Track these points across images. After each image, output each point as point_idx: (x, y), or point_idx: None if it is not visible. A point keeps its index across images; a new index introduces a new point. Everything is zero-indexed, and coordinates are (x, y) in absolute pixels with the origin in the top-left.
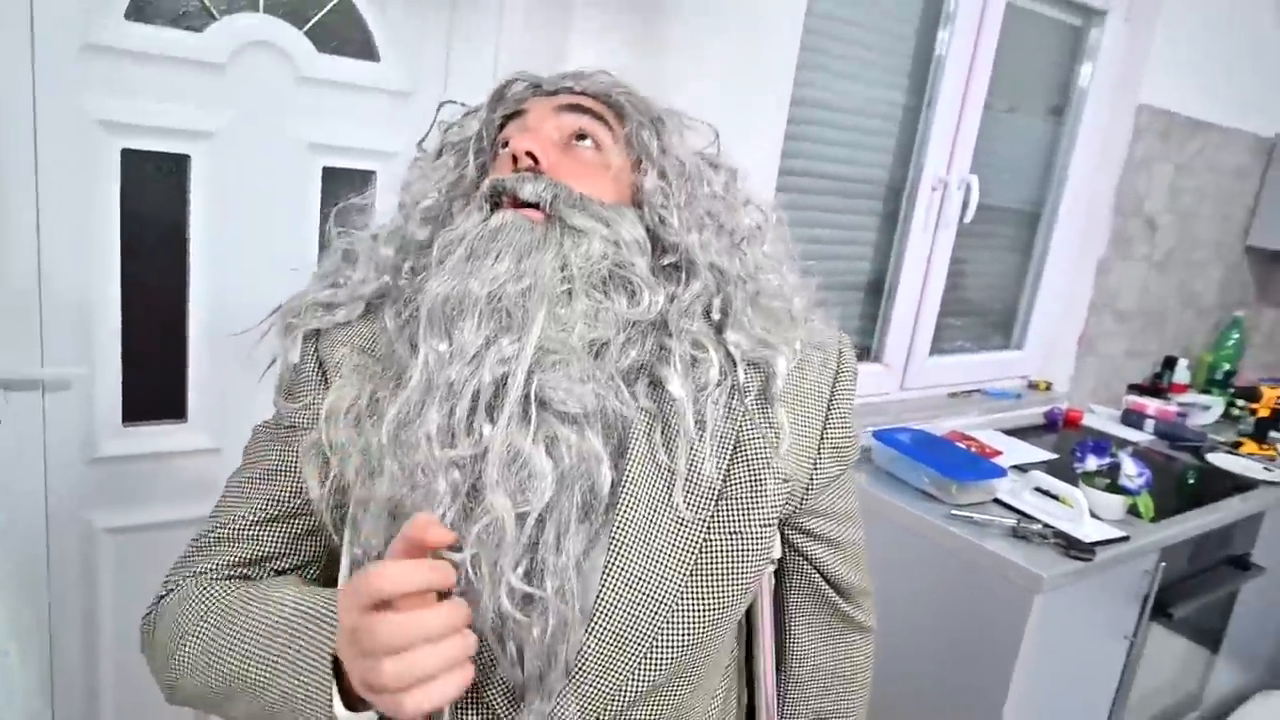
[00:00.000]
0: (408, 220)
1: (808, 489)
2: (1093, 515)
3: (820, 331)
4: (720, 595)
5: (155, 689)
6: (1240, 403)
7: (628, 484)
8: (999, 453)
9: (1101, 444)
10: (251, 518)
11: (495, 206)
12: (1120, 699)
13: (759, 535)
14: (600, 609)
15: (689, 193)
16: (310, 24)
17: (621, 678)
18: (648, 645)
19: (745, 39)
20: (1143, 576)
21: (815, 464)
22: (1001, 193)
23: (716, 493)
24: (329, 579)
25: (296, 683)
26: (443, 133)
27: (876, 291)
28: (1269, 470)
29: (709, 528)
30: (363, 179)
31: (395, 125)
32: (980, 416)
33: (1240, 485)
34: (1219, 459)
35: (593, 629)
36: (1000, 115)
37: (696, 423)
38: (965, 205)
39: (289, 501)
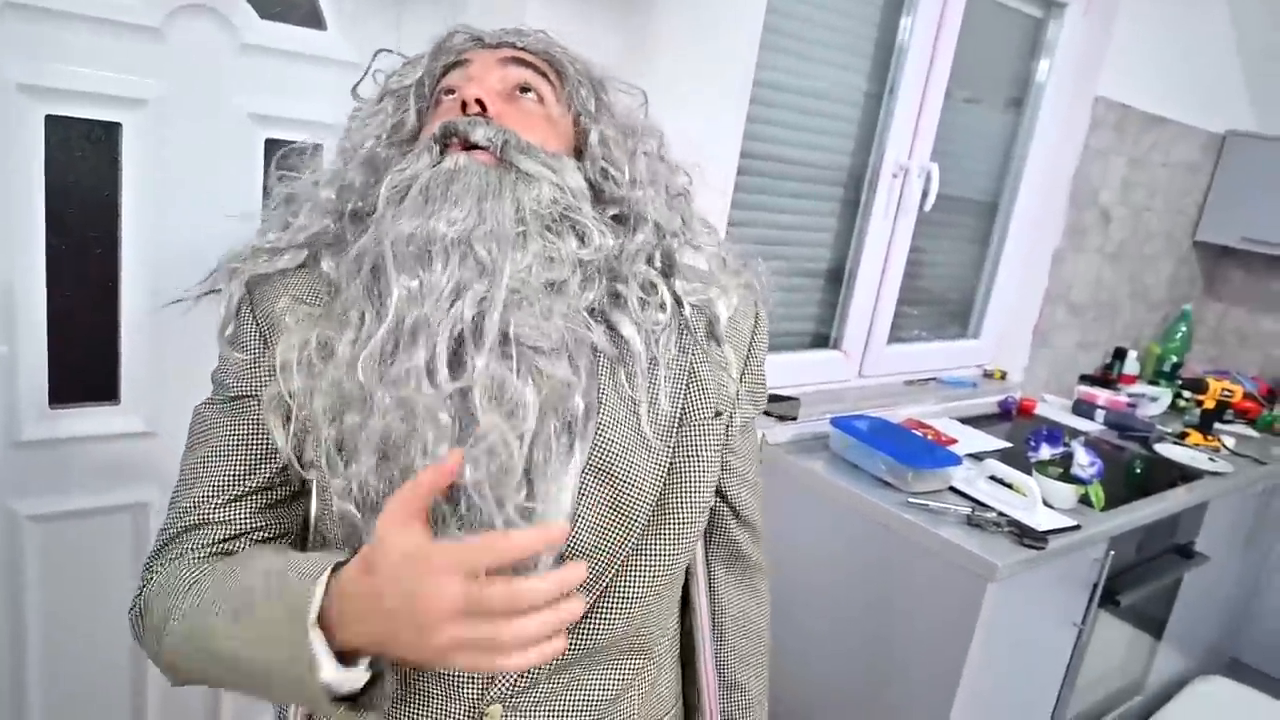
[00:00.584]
0: (348, 165)
1: (728, 427)
2: (1045, 504)
3: (741, 282)
4: (684, 517)
5: (83, 682)
6: (1187, 394)
7: (604, 411)
8: (954, 441)
9: (1055, 433)
10: (218, 498)
11: (444, 149)
12: (1068, 684)
13: (714, 458)
14: (578, 530)
15: (630, 150)
16: None
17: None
18: (617, 564)
19: (707, 19)
20: (1092, 565)
21: (735, 405)
22: (961, 182)
23: (677, 421)
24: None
25: (270, 643)
26: (384, 81)
27: (836, 279)
28: (1213, 461)
29: (674, 454)
30: (309, 153)
31: (343, 97)
32: (936, 405)
33: (1186, 475)
34: (1166, 449)
35: (572, 545)
36: (960, 105)
37: (650, 360)
38: (925, 194)
39: (254, 474)
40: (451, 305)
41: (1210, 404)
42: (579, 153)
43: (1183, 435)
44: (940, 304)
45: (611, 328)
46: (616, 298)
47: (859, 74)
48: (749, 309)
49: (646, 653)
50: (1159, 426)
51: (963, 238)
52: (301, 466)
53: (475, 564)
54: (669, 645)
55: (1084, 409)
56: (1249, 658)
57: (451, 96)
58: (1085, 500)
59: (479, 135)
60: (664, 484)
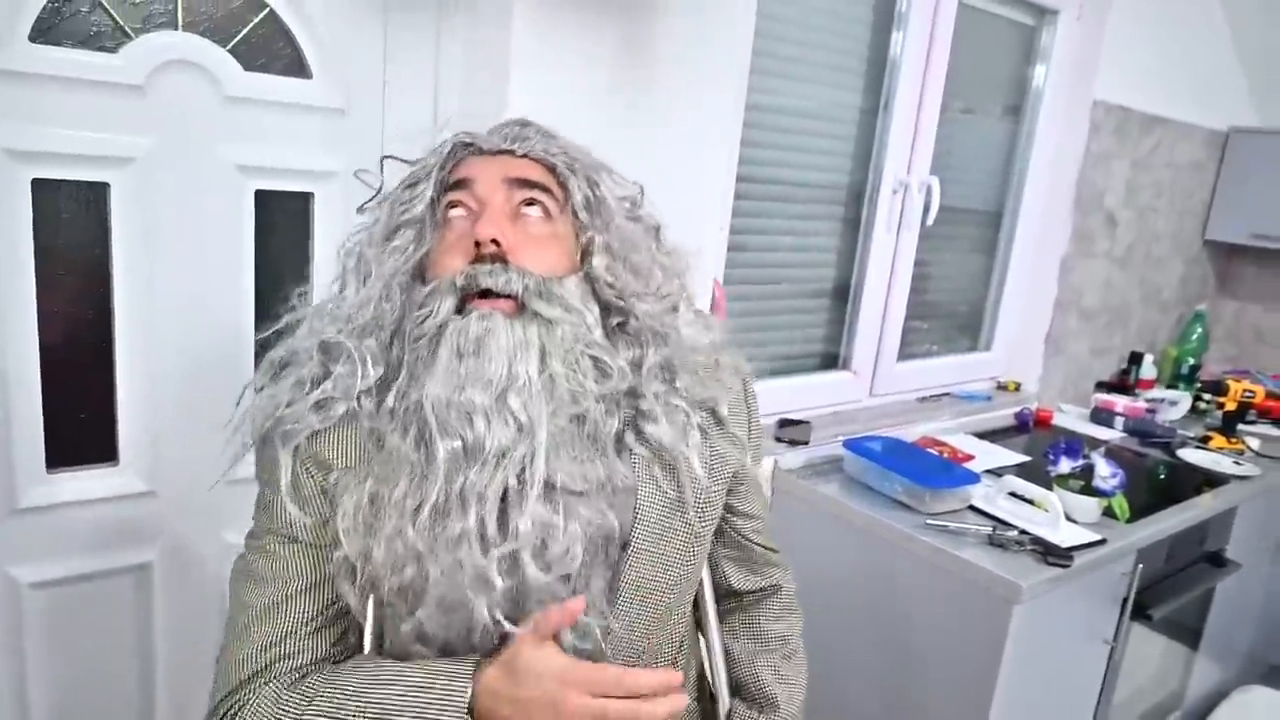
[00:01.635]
0: (378, 301)
1: (738, 478)
2: (1068, 519)
3: (729, 366)
4: (696, 558)
5: None
6: (1207, 397)
7: (639, 521)
8: (971, 457)
9: (1074, 445)
10: (301, 630)
11: (465, 299)
12: (1104, 702)
13: (716, 515)
14: (618, 618)
15: (633, 264)
16: (235, 41)
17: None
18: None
19: (696, 43)
20: (1121, 579)
21: (743, 464)
22: (963, 194)
23: (708, 499)
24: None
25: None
26: (391, 209)
27: (841, 297)
28: (1239, 464)
29: (684, 552)
30: (299, 202)
31: (331, 144)
32: (951, 420)
33: (1212, 481)
34: (1190, 454)
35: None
36: (958, 116)
37: (686, 458)
38: (927, 208)
39: (327, 611)
40: (496, 467)
41: (1232, 406)
42: (584, 257)
43: (1205, 439)
44: (949, 317)
45: (642, 434)
46: (643, 410)
47: (853, 91)
48: (739, 389)
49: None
50: (1180, 431)
51: (969, 249)
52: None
53: (605, 687)
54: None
55: (1103, 417)
56: None
57: (460, 214)
58: (1109, 513)
59: (500, 284)
60: (684, 555)
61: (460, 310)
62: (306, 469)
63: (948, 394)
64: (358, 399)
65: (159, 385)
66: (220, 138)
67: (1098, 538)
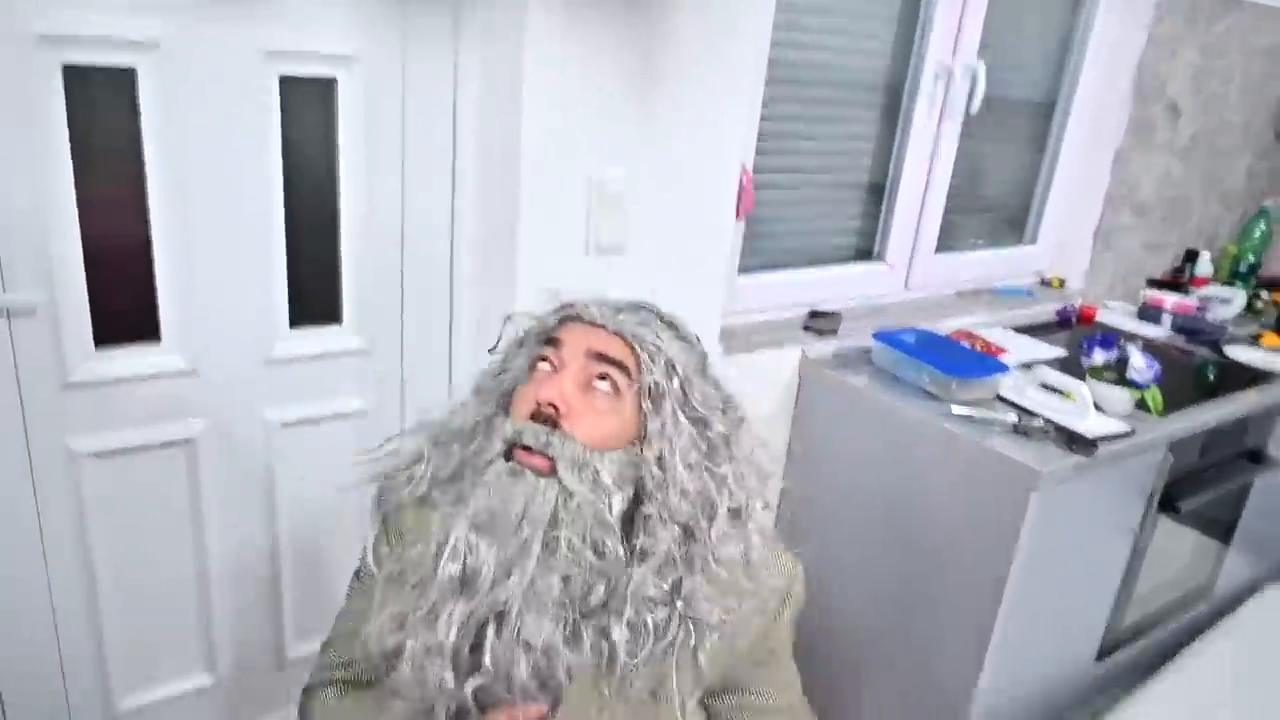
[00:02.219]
0: (467, 418)
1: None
2: (1098, 409)
3: (772, 578)
4: None
5: (153, 613)
6: (1263, 294)
7: (570, 695)
8: (1005, 351)
9: (1109, 337)
10: (358, 655)
11: (511, 446)
12: (1125, 592)
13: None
14: None
15: (681, 460)
16: None
17: None
18: None
19: None
20: (1149, 471)
21: (749, 656)
22: (1012, 81)
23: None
24: None
25: None
26: (506, 356)
27: (877, 191)
28: None
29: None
30: (323, 88)
31: (354, 27)
32: (989, 315)
33: (1258, 378)
34: (1237, 351)
35: None
36: None
37: (629, 670)
38: (971, 95)
39: None
40: (479, 601)
41: None
42: (640, 438)
43: (1257, 337)
44: (994, 210)
45: (604, 631)
46: (617, 609)
47: None
48: (774, 598)
49: None
50: (1231, 329)
51: (1016, 139)
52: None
53: None
54: None
55: (1150, 314)
56: None
57: (545, 367)
58: (1142, 405)
59: (539, 444)
60: None
61: (507, 456)
62: (387, 530)
63: (988, 290)
64: (430, 488)
65: (195, 266)
66: (244, 21)
67: (1126, 429)
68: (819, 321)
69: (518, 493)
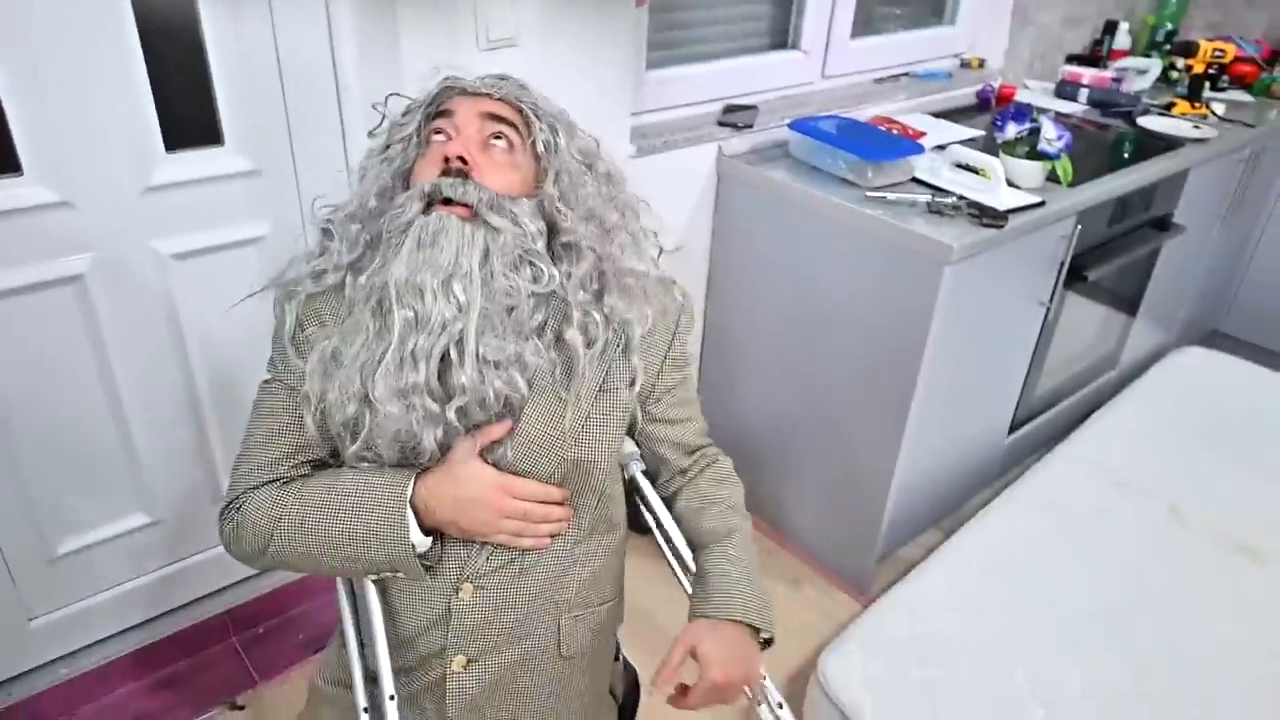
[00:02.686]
0: (366, 200)
1: (651, 394)
2: (1010, 184)
3: (665, 297)
4: (585, 456)
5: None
6: (1179, 64)
7: (533, 387)
8: (923, 134)
9: (1021, 110)
10: (281, 455)
11: (431, 204)
12: (1036, 363)
13: (613, 435)
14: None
15: (578, 194)
16: None
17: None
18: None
19: None
20: (1059, 242)
21: (658, 378)
22: None
23: (586, 414)
24: None
25: (376, 517)
26: (389, 127)
27: None
28: (1198, 128)
29: (579, 433)
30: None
31: None
32: (908, 100)
33: (1170, 145)
34: (1150, 122)
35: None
36: None
37: (580, 355)
38: None
39: (300, 440)
40: (439, 335)
41: (1200, 67)
42: (538, 184)
43: (1169, 106)
44: None
45: (559, 338)
46: (566, 315)
47: None
48: (668, 322)
49: (583, 543)
50: (1146, 100)
51: None
52: (324, 437)
53: (527, 493)
54: (607, 542)
55: (1067, 90)
56: (1231, 328)
57: (439, 138)
58: (1053, 177)
59: (458, 194)
60: (582, 431)
61: (425, 212)
62: (304, 322)
63: (906, 74)
64: (344, 274)
65: (47, 94)
66: None
67: (1037, 200)
68: (735, 115)
69: (447, 238)
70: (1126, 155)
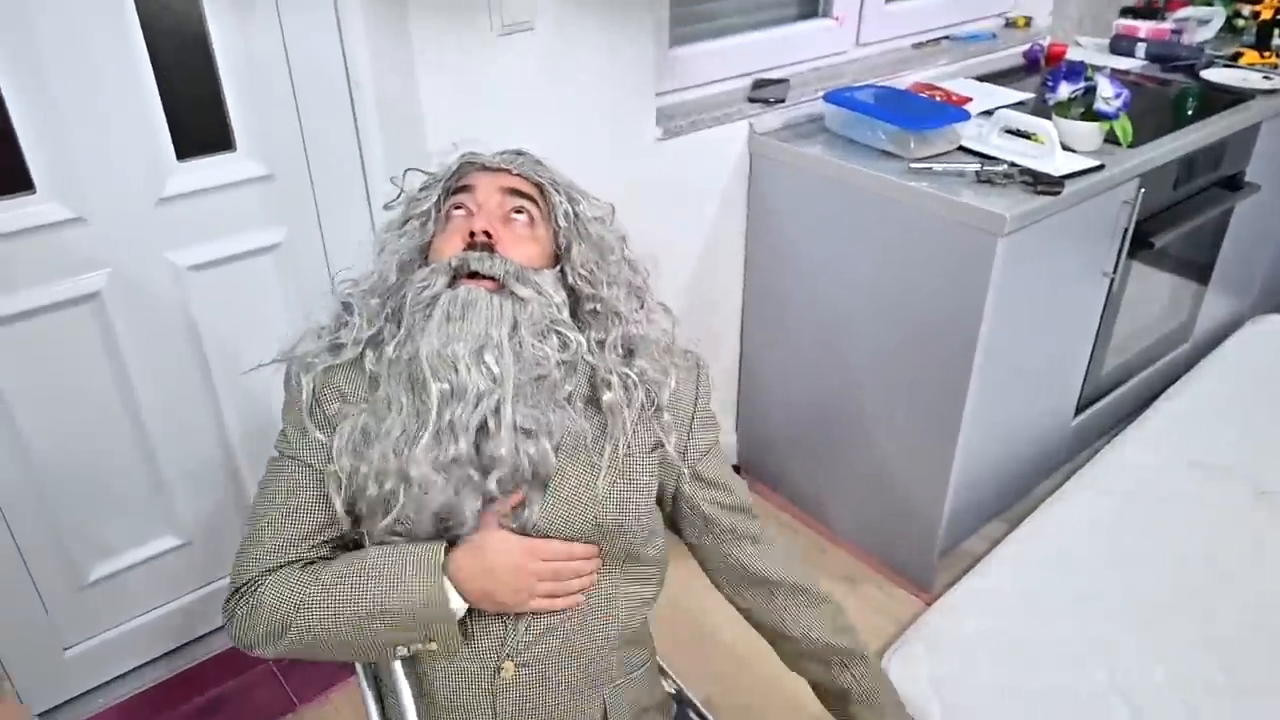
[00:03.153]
0: (386, 274)
1: (685, 453)
2: (1066, 148)
3: (685, 358)
4: (630, 520)
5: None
6: (1244, 11)
7: (563, 449)
8: (968, 100)
9: (1075, 68)
10: (300, 534)
11: (456, 277)
12: (1102, 339)
13: (644, 497)
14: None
15: (600, 261)
16: None
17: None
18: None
19: None
20: (1121, 208)
21: (689, 438)
22: None
23: (616, 477)
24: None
25: (413, 586)
26: (407, 203)
27: None
28: (1269, 79)
29: (610, 497)
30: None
31: None
32: (950, 65)
33: (1239, 99)
34: (1215, 74)
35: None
36: None
37: (622, 411)
38: None
39: (322, 519)
40: (475, 407)
41: (1268, 14)
42: (558, 257)
43: (1236, 56)
44: None
45: (592, 402)
46: (598, 379)
47: None
48: (690, 382)
49: (616, 601)
50: (1209, 51)
51: None
52: (352, 517)
53: (545, 552)
54: (642, 600)
55: (1123, 46)
56: None
57: (460, 213)
58: (1112, 138)
59: (486, 268)
60: (610, 494)
61: (452, 285)
62: (321, 396)
63: (947, 37)
64: (363, 349)
65: (56, 109)
66: None
67: (1095, 164)
68: (765, 91)
69: (476, 311)
70: (1191, 111)
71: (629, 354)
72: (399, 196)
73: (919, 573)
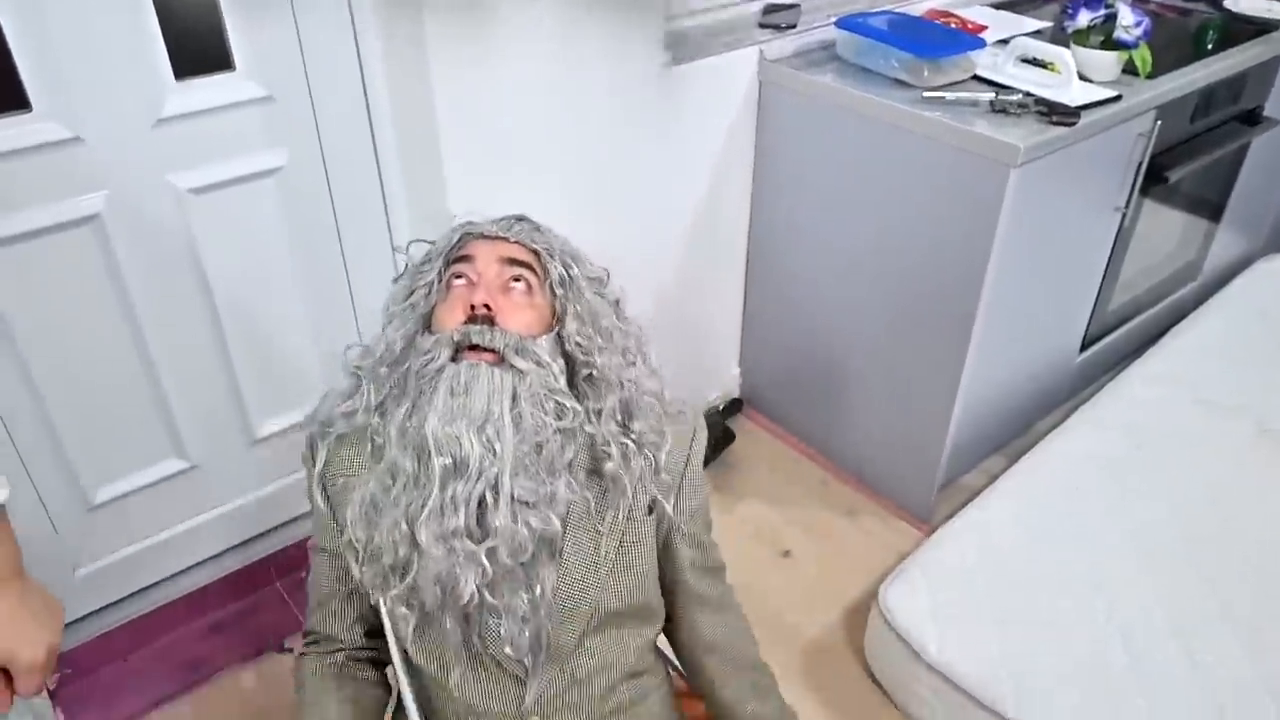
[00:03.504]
0: (394, 345)
1: (660, 521)
2: (1083, 78)
3: (680, 418)
4: (632, 579)
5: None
6: None
7: (569, 540)
8: (984, 28)
9: None
10: (340, 624)
11: (459, 349)
12: (1110, 274)
13: (649, 556)
14: (556, 604)
15: (597, 325)
16: None
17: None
18: (587, 611)
19: None
20: (1136, 140)
21: (678, 494)
22: None
23: (619, 541)
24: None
25: None
26: (412, 273)
27: None
28: None
29: (617, 557)
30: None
31: None
32: None
33: (1261, 30)
34: (1239, 4)
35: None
36: None
37: (624, 481)
38: None
39: (355, 610)
40: (476, 480)
41: None
42: (556, 320)
43: None
44: None
45: (593, 472)
46: (597, 448)
47: None
48: (684, 443)
49: (636, 675)
50: None
51: None
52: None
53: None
54: (656, 677)
55: None
56: None
57: (460, 282)
58: (1130, 69)
59: (486, 341)
60: (617, 559)
61: (455, 359)
62: (328, 469)
63: None
64: (373, 415)
65: (49, 26)
66: None
67: (1112, 94)
68: (776, 16)
69: (479, 386)
70: (1211, 43)
71: (627, 418)
72: (405, 270)
73: (919, 506)
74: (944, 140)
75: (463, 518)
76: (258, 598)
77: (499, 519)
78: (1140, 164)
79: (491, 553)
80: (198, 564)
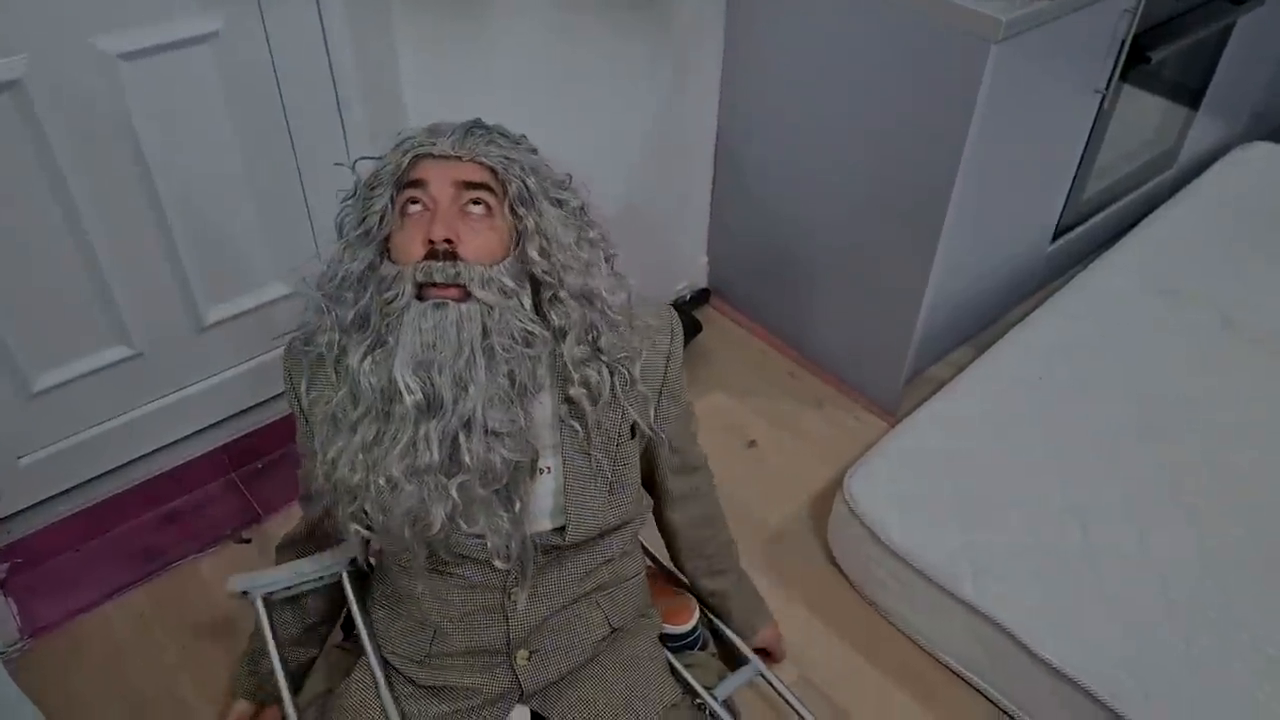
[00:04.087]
0: (350, 271)
1: (654, 423)
2: None
3: (652, 320)
4: (620, 486)
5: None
6: None
7: (565, 456)
8: None
9: None
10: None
11: (423, 287)
12: (1087, 161)
13: (634, 472)
14: (570, 521)
15: (559, 241)
16: None
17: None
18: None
19: None
20: (1121, 17)
21: (658, 404)
22: None
23: (614, 456)
24: None
25: None
26: (364, 205)
27: None
28: None
29: (615, 460)
30: None
31: None
32: None
33: None
34: None
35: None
36: None
37: (594, 411)
38: None
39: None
40: (450, 416)
41: None
42: (518, 238)
43: None
44: None
45: (568, 397)
46: (568, 371)
47: None
48: (661, 338)
49: (613, 560)
50: None
51: None
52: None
53: None
54: (634, 560)
55: None
56: None
57: (416, 207)
58: None
59: (450, 277)
60: (613, 479)
61: (420, 296)
62: (311, 383)
63: None
64: (340, 338)
65: None
66: None
67: None
68: None
69: (447, 323)
70: None
71: (595, 336)
72: (356, 191)
73: (885, 397)
74: (920, 12)
75: (436, 454)
76: (213, 488)
77: (472, 451)
78: (1124, 41)
79: (463, 486)
80: (149, 453)
